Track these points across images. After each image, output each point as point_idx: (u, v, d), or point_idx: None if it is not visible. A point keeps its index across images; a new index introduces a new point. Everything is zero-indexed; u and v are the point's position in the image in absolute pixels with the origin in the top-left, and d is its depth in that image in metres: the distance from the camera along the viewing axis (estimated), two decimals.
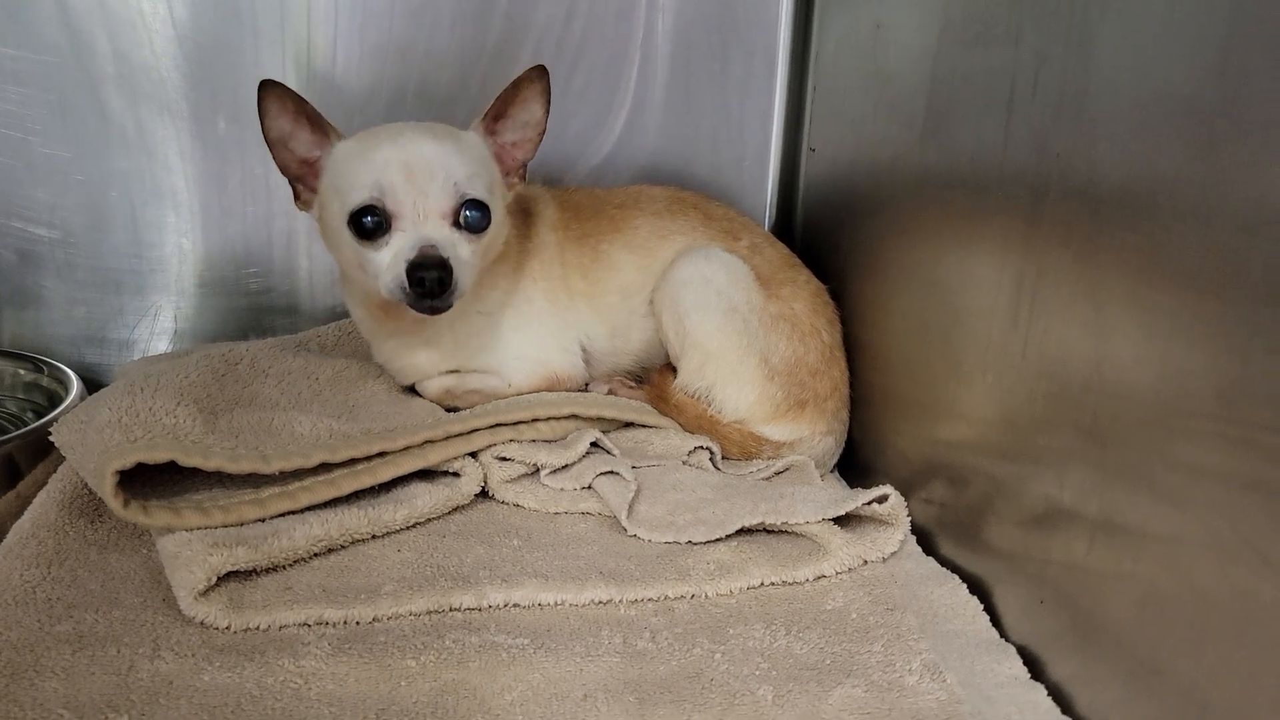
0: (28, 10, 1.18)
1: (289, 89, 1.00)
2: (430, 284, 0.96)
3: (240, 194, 1.28)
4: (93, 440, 0.90)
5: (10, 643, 0.77)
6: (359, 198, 0.98)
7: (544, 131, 1.06)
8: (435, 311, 1.00)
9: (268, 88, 0.99)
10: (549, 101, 1.05)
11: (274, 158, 1.03)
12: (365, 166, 0.99)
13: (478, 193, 1.00)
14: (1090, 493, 0.78)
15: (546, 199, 1.20)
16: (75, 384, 1.11)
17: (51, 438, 0.97)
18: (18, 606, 0.81)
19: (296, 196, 1.06)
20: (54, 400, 1.10)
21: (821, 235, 1.30)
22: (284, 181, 1.05)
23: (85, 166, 1.23)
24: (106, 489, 0.85)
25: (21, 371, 1.17)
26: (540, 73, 1.03)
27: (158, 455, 0.87)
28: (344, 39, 1.25)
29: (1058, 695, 0.79)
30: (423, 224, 0.98)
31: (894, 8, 1.09)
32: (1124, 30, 0.74)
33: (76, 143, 1.23)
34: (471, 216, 1.00)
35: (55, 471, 0.99)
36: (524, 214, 1.17)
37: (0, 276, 1.25)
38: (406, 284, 0.97)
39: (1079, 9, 0.78)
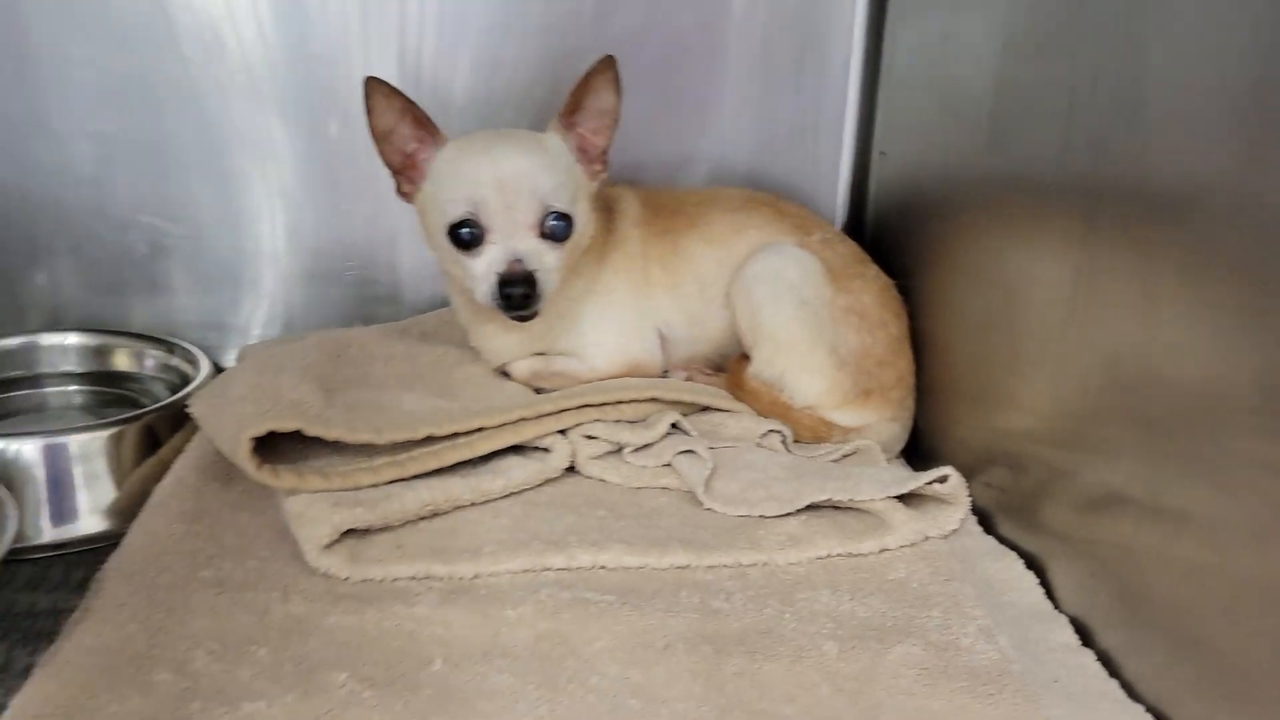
0: (164, 23, 1.29)
1: (393, 87, 1.09)
2: (516, 299, 1.07)
3: (349, 193, 1.38)
4: (227, 412, 1.00)
5: (163, 585, 0.88)
6: (457, 211, 1.08)
7: (618, 118, 1.13)
8: (523, 319, 1.12)
9: (373, 84, 1.08)
10: (620, 88, 1.12)
11: (379, 151, 1.12)
12: (462, 181, 1.09)
13: (561, 204, 1.09)
14: (1139, 478, 0.83)
15: (630, 197, 1.28)
16: (204, 364, 1.21)
17: (188, 410, 1.08)
18: (166, 555, 0.92)
19: (399, 188, 1.15)
20: (185, 379, 1.20)
21: (890, 234, 1.37)
22: (389, 182, 1.15)
23: (210, 168, 1.35)
24: (242, 454, 0.95)
25: (157, 353, 1.28)
26: (609, 62, 1.10)
27: (286, 425, 0.97)
28: (446, 49, 1.35)
29: (1105, 661, 0.84)
30: (512, 236, 1.08)
31: (961, 20, 1.16)
32: (1173, 40, 0.79)
33: (203, 147, 1.34)
34: (556, 226, 1.09)
35: (191, 440, 1.10)
36: (608, 210, 1.25)
37: (134, 267, 1.37)
38: (498, 295, 1.07)
39: (1133, 21, 0.84)
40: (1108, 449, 0.88)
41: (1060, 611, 0.91)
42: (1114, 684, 0.82)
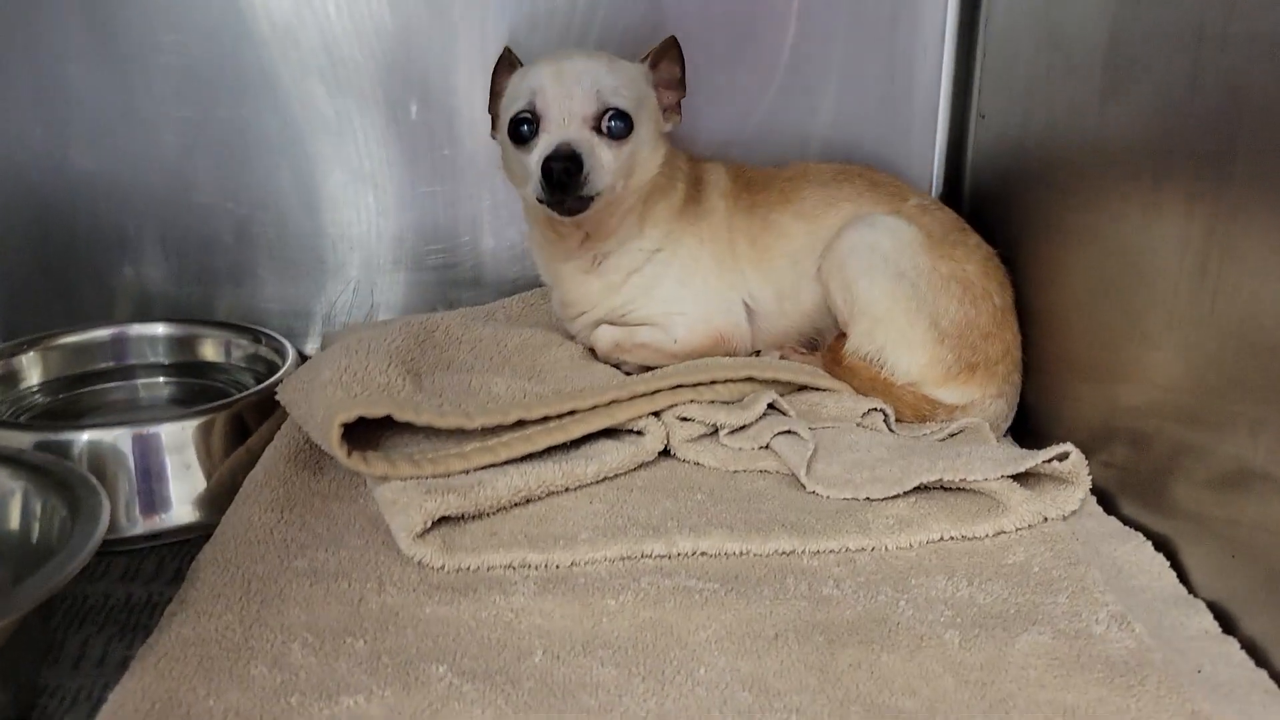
0: (246, 7, 1.29)
1: (517, 58, 1.17)
2: (558, 174, 1.04)
3: (430, 175, 1.36)
4: (316, 397, 0.98)
5: (258, 575, 0.86)
6: (516, 107, 1.10)
7: (684, 82, 1.18)
8: (572, 212, 1.09)
9: (506, 53, 1.18)
10: (683, 65, 1.17)
11: (489, 108, 1.19)
12: (525, 79, 1.11)
13: (621, 102, 1.09)
14: None
15: (720, 171, 1.25)
16: (291, 353, 1.20)
17: (277, 396, 1.07)
18: (260, 544, 0.91)
19: (493, 127, 1.19)
20: (272, 368, 1.19)
21: (991, 202, 1.30)
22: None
23: (292, 152, 1.34)
24: (333, 439, 0.93)
25: (244, 342, 1.27)
26: (671, 43, 1.16)
27: (376, 409, 0.95)
28: (530, 28, 1.32)
29: (1251, 649, 0.78)
30: (566, 128, 1.08)
31: None
32: None
33: (286, 131, 1.33)
34: (614, 125, 1.09)
35: (280, 429, 1.08)
36: (696, 179, 1.22)
37: (219, 254, 1.37)
38: (541, 180, 1.05)
39: None
40: (1246, 423, 0.82)
41: (1196, 597, 0.85)
42: (1263, 674, 0.76)
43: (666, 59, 1.17)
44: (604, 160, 1.08)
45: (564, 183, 1.05)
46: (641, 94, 1.13)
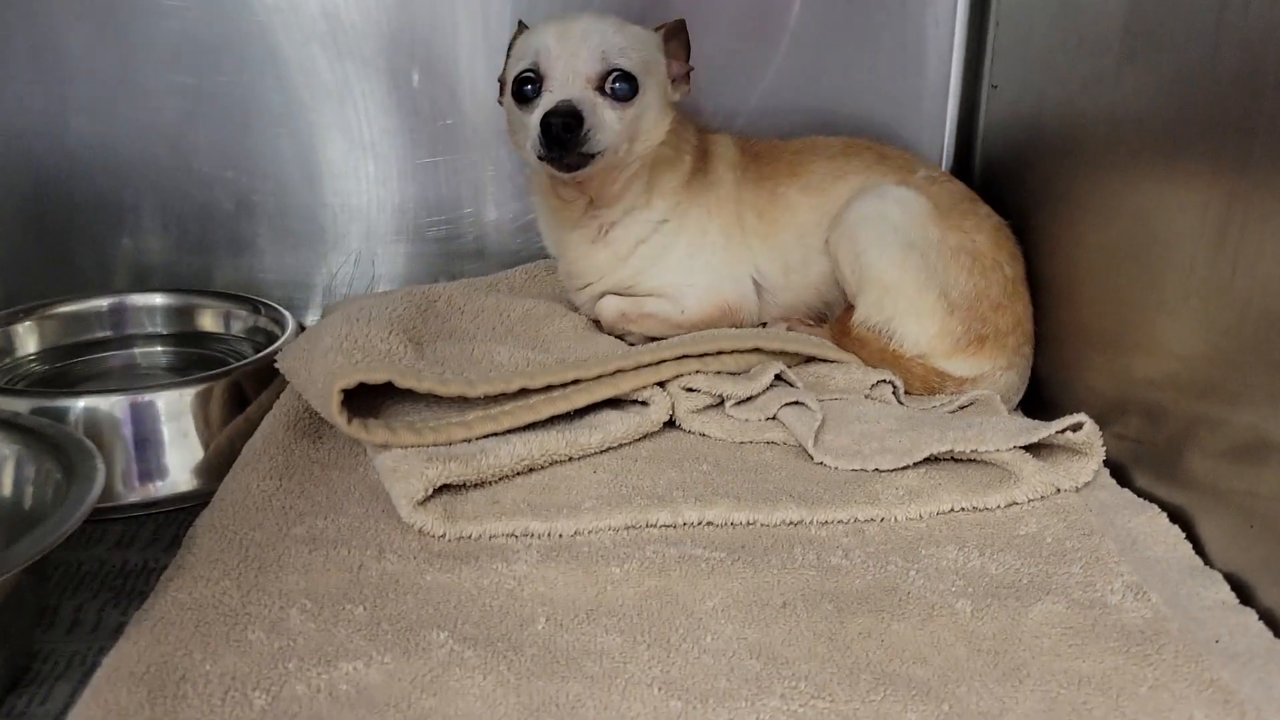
0: None
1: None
2: (556, 129, 1.01)
3: (432, 145, 1.34)
4: (317, 364, 0.97)
5: (256, 541, 0.84)
6: (519, 67, 1.08)
7: (688, 50, 1.16)
8: (571, 169, 1.06)
9: (520, 26, 1.15)
10: (689, 48, 1.15)
11: (502, 73, 1.15)
12: (530, 39, 1.09)
13: (626, 63, 1.06)
14: None
15: (728, 143, 1.23)
16: (291, 323, 1.18)
17: (276, 364, 1.05)
18: (258, 511, 0.89)
19: (500, 93, 1.16)
20: (271, 339, 1.17)
21: (1003, 173, 1.28)
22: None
23: (294, 120, 1.32)
24: (333, 406, 0.91)
25: (243, 312, 1.25)
26: (679, 25, 1.14)
27: (377, 376, 0.93)
28: None
29: (1269, 620, 0.77)
30: (569, 87, 1.05)
31: None
32: None
33: (287, 99, 1.31)
34: (619, 86, 1.06)
35: (279, 398, 1.07)
36: (703, 151, 1.20)
37: (218, 224, 1.35)
38: (540, 136, 1.03)
39: None
40: (1265, 394, 0.80)
41: (1213, 568, 0.84)
42: None
43: (676, 40, 1.14)
44: (607, 120, 1.05)
45: (563, 139, 1.02)
46: (650, 58, 1.11)
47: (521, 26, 1.15)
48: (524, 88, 1.07)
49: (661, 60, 1.13)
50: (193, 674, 0.70)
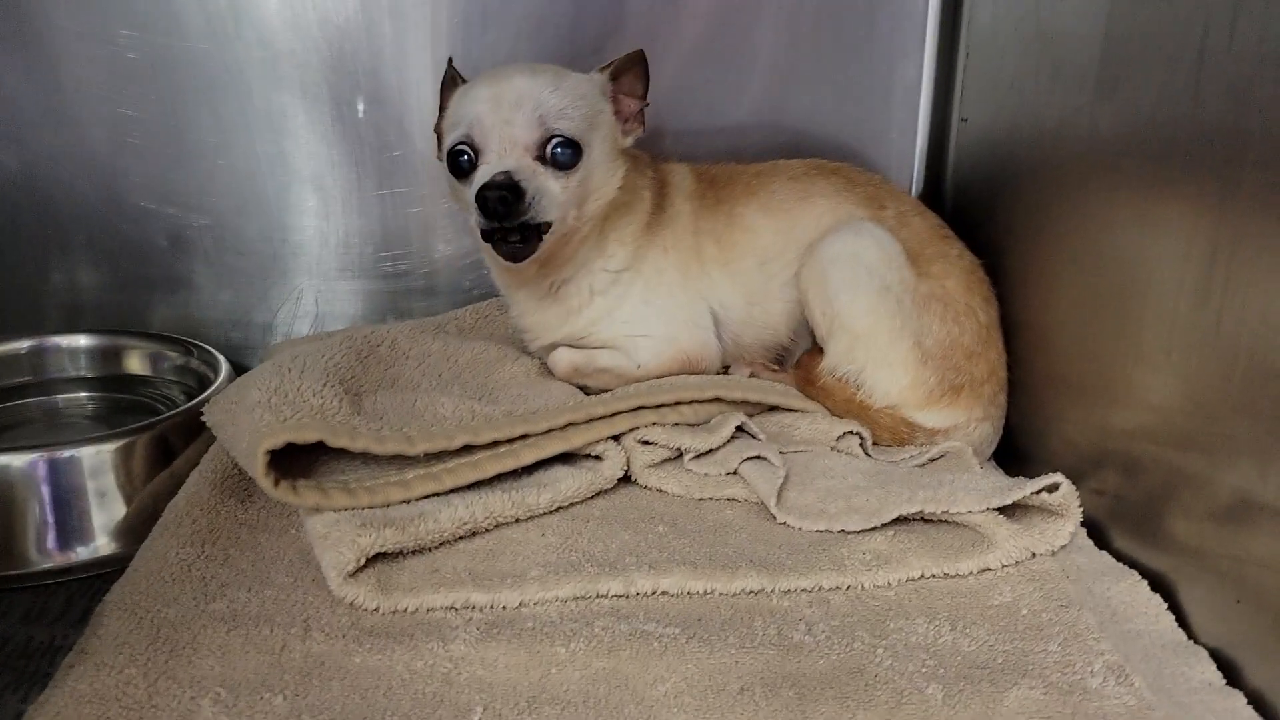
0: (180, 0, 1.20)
1: (459, 73, 1.08)
2: (493, 203, 0.95)
3: (379, 178, 1.28)
4: (243, 420, 0.90)
5: (169, 620, 0.78)
6: (454, 137, 1.01)
7: (647, 85, 1.07)
8: (516, 257, 0.99)
9: (449, 68, 1.09)
10: (647, 81, 1.07)
11: (436, 124, 1.09)
12: (463, 104, 1.02)
13: (565, 128, 0.99)
14: None
15: (684, 172, 1.17)
16: (224, 366, 1.12)
17: (203, 418, 0.98)
18: (175, 584, 0.82)
19: (440, 145, 1.08)
20: (204, 383, 1.11)
21: (973, 210, 1.23)
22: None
23: (231, 152, 1.25)
24: (258, 468, 0.85)
25: (173, 354, 1.19)
26: (639, 56, 1.05)
27: (307, 435, 0.87)
28: (484, 17, 1.24)
29: (1259, 703, 0.72)
30: (506, 157, 0.98)
31: None
32: None
33: (223, 129, 1.24)
34: (560, 153, 0.99)
35: (207, 452, 1.00)
36: (660, 185, 1.14)
37: (152, 261, 1.28)
38: (480, 213, 0.96)
39: None
40: (1253, 452, 0.76)
41: (1197, 643, 0.79)
42: None
43: (631, 73, 1.06)
44: (550, 190, 0.99)
45: (500, 212, 0.95)
46: (594, 111, 1.03)
47: (450, 67, 1.08)
48: (460, 159, 1.01)
49: (607, 109, 1.06)
50: None
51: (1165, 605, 0.83)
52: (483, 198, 0.95)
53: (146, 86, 1.22)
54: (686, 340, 1.12)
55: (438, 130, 1.08)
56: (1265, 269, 0.74)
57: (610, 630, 0.78)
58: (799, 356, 1.15)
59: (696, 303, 1.14)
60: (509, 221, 0.96)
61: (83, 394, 1.18)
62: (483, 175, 0.97)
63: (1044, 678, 0.73)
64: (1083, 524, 0.93)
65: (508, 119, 0.98)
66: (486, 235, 0.99)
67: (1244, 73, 0.75)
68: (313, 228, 1.29)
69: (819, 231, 1.11)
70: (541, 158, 0.99)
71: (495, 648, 0.76)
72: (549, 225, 0.99)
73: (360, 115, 1.26)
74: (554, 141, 0.99)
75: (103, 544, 0.94)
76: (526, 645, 0.77)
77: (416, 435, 0.91)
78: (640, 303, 1.12)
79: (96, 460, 0.94)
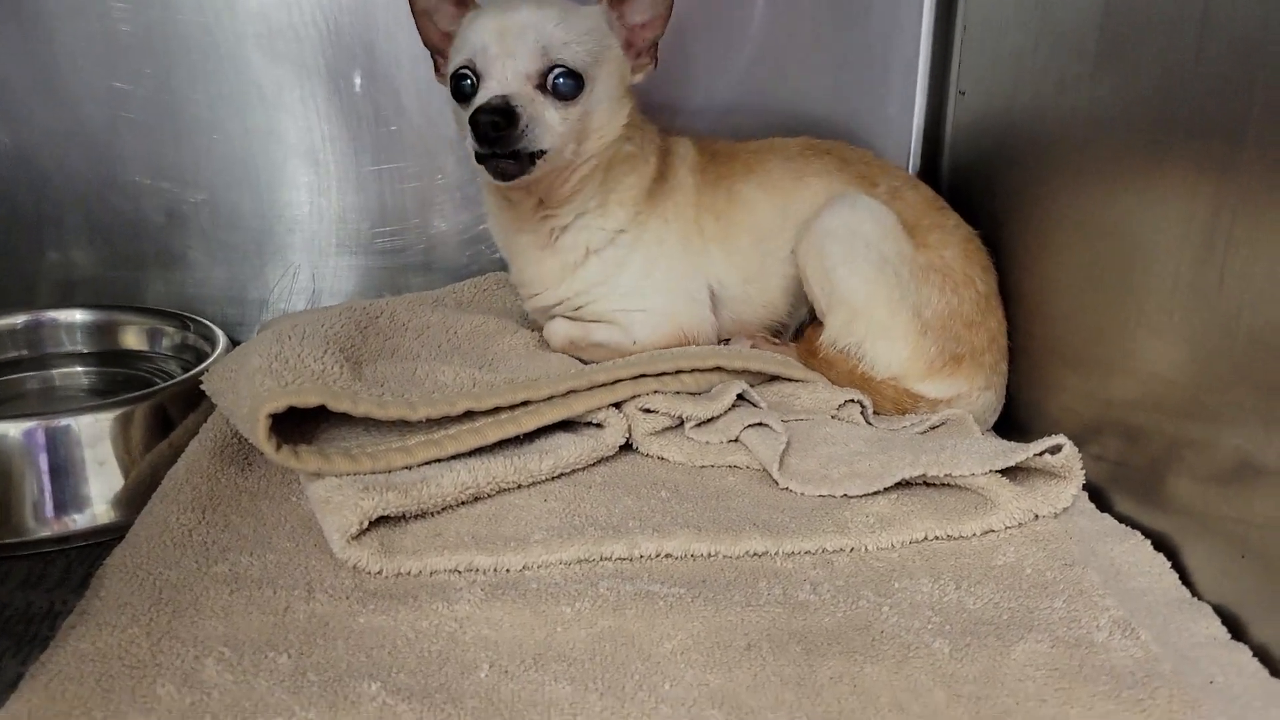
0: None
1: None
2: (485, 127, 0.94)
3: (375, 152, 1.28)
4: (244, 387, 0.90)
5: (171, 582, 0.77)
6: (457, 61, 1.01)
7: (671, 8, 1.04)
8: (508, 177, 0.99)
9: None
10: (668, 11, 1.04)
11: (418, 28, 1.07)
12: (469, 32, 1.02)
13: (569, 59, 0.99)
14: None
15: (687, 143, 1.17)
16: (222, 340, 1.11)
17: (202, 386, 0.98)
18: (176, 548, 0.82)
19: (436, 69, 1.09)
20: (201, 358, 1.10)
21: (971, 182, 1.24)
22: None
23: (227, 127, 1.24)
24: (259, 432, 0.84)
25: (171, 329, 1.18)
26: None
27: (308, 399, 0.86)
28: None
29: (1264, 657, 0.72)
30: (507, 84, 0.98)
31: None
32: None
33: (219, 104, 1.24)
34: (562, 83, 0.99)
35: (206, 422, 0.99)
36: (665, 154, 1.14)
37: (148, 237, 1.27)
38: (474, 137, 0.96)
39: None
40: (1256, 416, 0.76)
41: (1201, 599, 0.79)
42: (1279, 684, 0.69)
43: (644, 1, 1.04)
44: (548, 119, 0.98)
45: (492, 137, 0.95)
46: (601, 46, 1.03)
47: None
48: (462, 84, 1.00)
49: (615, 44, 1.05)
50: None
51: (1169, 564, 0.83)
52: (475, 120, 0.95)
53: (141, 61, 1.21)
54: (684, 316, 1.12)
55: (428, 40, 1.08)
56: (1270, 227, 0.74)
57: (615, 590, 0.78)
58: (801, 329, 1.15)
59: (695, 277, 1.14)
60: (501, 148, 0.96)
61: (78, 368, 1.17)
62: (481, 98, 0.97)
63: (1050, 632, 0.73)
64: (1084, 489, 0.93)
65: (511, 50, 0.98)
66: (480, 158, 0.98)
67: (1249, 30, 0.75)
68: (309, 203, 1.28)
69: (813, 210, 1.12)
70: (543, 87, 0.99)
71: (500, 608, 0.76)
72: (543, 153, 0.98)
73: (357, 90, 1.25)
74: (556, 71, 0.99)
75: (101, 512, 0.93)
76: (531, 605, 0.76)
77: (419, 401, 0.91)
78: (640, 274, 1.11)
79: (95, 429, 0.93)
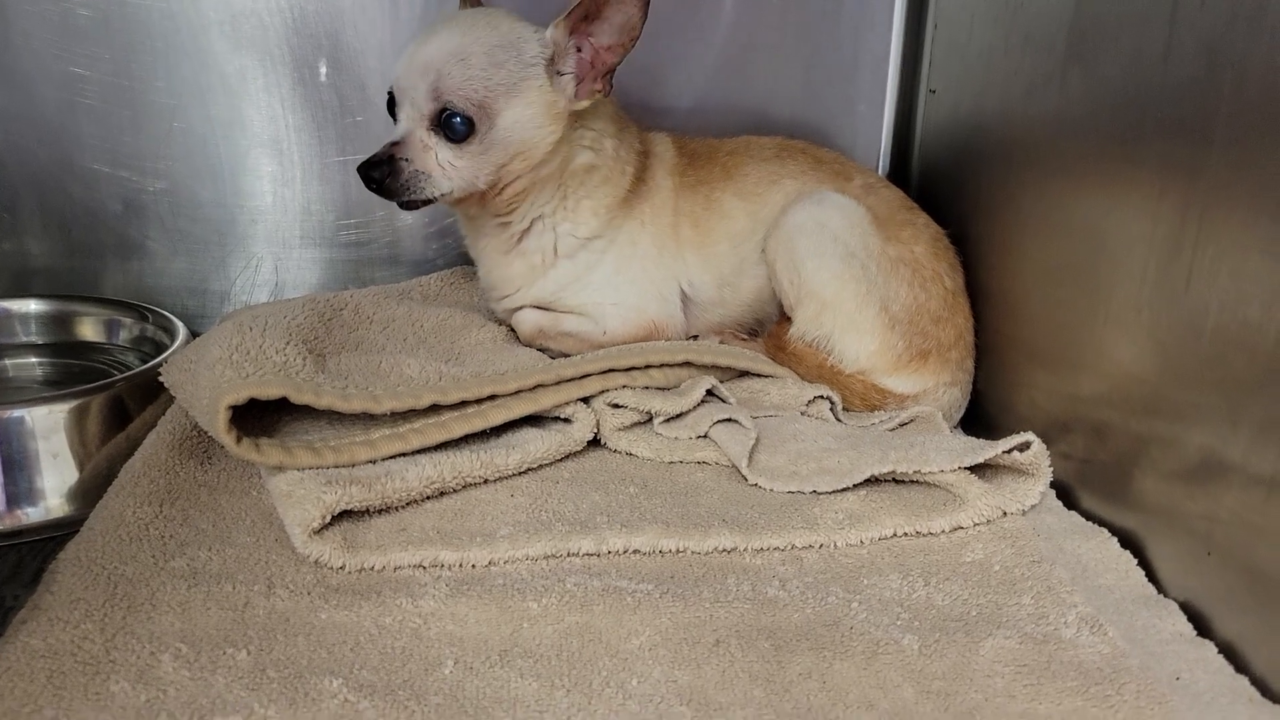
0: None
1: None
2: (363, 178, 0.99)
3: (340, 143, 1.26)
4: (204, 378, 0.88)
5: (126, 577, 0.75)
6: (389, 82, 1.02)
7: (638, 37, 1.00)
8: (408, 207, 1.03)
9: None
10: (647, 7, 0.98)
11: None
12: (399, 56, 1.02)
13: (458, 103, 0.98)
14: (1270, 442, 0.70)
15: (666, 143, 1.16)
16: (181, 332, 1.09)
17: (161, 378, 0.95)
18: (132, 542, 0.80)
19: None
20: (160, 349, 1.08)
21: (940, 180, 1.24)
22: (386, 131, 1.04)
23: (189, 115, 1.22)
24: (219, 424, 0.82)
25: (129, 320, 1.16)
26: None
27: (270, 391, 0.84)
28: None
29: (1229, 653, 0.72)
30: (407, 123, 1.00)
31: None
32: None
33: (180, 91, 1.22)
34: (452, 124, 0.99)
35: (164, 414, 0.97)
36: (644, 155, 1.13)
37: (106, 226, 1.24)
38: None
39: None
40: (1223, 413, 0.76)
41: (1166, 596, 0.79)
42: (1244, 680, 0.70)
43: (605, 20, 0.99)
44: (442, 159, 0.99)
45: (377, 190, 0.99)
46: (515, 78, 1.00)
47: None
48: (391, 105, 1.02)
49: (536, 72, 1.00)
50: None
51: (1135, 561, 0.83)
52: (360, 172, 0.99)
53: (99, 45, 1.19)
54: (654, 311, 1.12)
55: None
56: (1237, 226, 0.74)
57: (583, 586, 0.77)
58: (770, 326, 1.14)
59: (668, 280, 1.13)
60: (388, 198, 1.01)
61: (32, 359, 1.14)
62: (390, 135, 1.01)
63: (1019, 629, 0.73)
64: (1051, 486, 0.93)
65: (414, 85, 0.99)
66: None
67: (1217, 29, 0.76)
68: (272, 194, 1.26)
69: (784, 208, 1.11)
70: (437, 128, 0.99)
71: (465, 603, 0.75)
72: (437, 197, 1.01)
73: (322, 79, 1.23)
74: (446, 113, 0.98)
75: (55, 506, 0.90)
76: (498, 601, 0.75)
77: (383, 393, 0.89)
78: (612, 271, 1.11)
79: (49, 420, 0.91)
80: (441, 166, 0.99)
